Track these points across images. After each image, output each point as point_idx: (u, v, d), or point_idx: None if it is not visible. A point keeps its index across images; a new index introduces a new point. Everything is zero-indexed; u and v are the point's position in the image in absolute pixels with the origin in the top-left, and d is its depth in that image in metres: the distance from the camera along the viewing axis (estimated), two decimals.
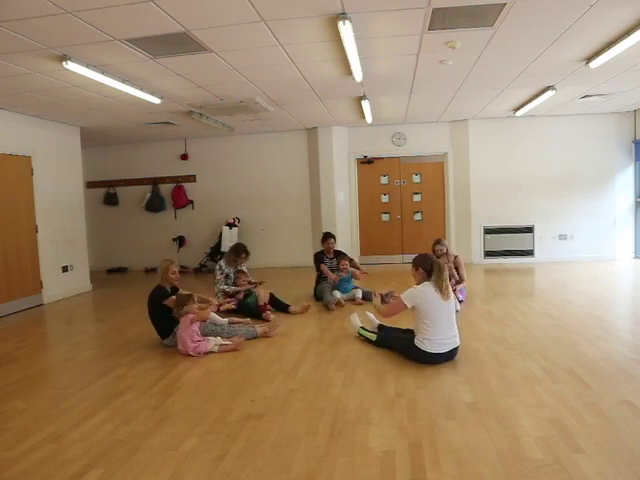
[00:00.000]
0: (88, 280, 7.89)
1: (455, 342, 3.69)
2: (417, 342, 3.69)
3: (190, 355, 4.08)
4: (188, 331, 4.12)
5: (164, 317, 4.37)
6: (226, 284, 5.70)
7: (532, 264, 8.48)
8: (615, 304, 5.68)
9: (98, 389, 3.52)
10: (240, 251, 5.84)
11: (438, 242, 5.88)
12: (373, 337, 4.22)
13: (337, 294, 5.92)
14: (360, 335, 4.37)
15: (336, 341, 4.46)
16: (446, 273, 3.75)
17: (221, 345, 4.21)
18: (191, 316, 4.15)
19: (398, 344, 3.96)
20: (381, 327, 4.35)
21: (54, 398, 3.35)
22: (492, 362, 3.67)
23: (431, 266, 3.73)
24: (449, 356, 3.68)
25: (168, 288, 4.49)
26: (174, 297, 4.35)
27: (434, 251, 5.78)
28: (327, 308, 5.68)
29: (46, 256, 6.87)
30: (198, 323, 4.26)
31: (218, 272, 5.74)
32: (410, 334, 3.84)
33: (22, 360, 4.27)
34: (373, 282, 7.05)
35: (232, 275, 5.76)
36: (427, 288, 3.68)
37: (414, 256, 3.89)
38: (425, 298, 3.65)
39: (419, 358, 3.68)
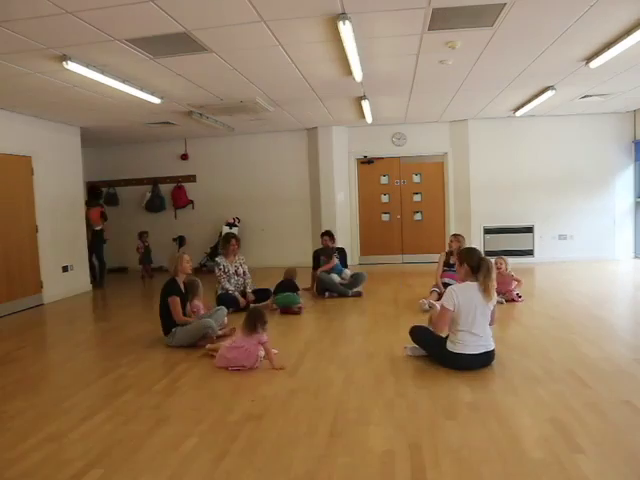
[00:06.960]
0: (88, 280, 7.89)
1: (490, 345, 3.45)
2: (450, 345, 3.44)
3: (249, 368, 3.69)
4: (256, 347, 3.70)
5: (168, 312, 4.34)
6: (228, 282, 5.65)
7: (532, 264, 8.47)
8: (615, 304, 5.68)
9: (98, 389, 3.51)
10: (228, 239, 5.84)
11: (454, 236, 5.92)
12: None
13: (336, 278, 6.34)
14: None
15: (336, 341, 4.46)
16: (494, 274, 3.38)
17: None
18: (264, 337, 3.69)
19: (428, 346, 3.64)
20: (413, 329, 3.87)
21: (54, 398, 3.34)
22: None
23: (479, 263, 3.36)
24: (484, 361, 3.44)
25: (181, 280, 4.49)
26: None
27: (450, 245, 5.85)
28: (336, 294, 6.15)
29: (46, 256, 6.87)
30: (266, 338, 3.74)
31: (217, 269, 5.69)
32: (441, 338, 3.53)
33: (22, 360, 4.27)
34: (373, 282, 7.06)
35: (231, 270, 5.71)
36: (470, 287, 3.36)
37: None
38: (468, 298, 3.32)
39: (451, 362, 3.45)
